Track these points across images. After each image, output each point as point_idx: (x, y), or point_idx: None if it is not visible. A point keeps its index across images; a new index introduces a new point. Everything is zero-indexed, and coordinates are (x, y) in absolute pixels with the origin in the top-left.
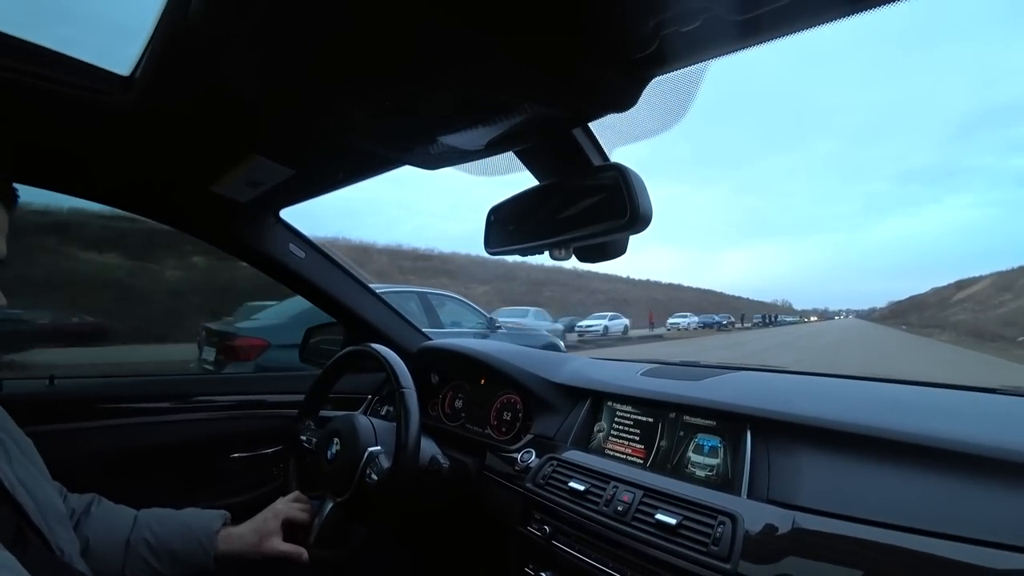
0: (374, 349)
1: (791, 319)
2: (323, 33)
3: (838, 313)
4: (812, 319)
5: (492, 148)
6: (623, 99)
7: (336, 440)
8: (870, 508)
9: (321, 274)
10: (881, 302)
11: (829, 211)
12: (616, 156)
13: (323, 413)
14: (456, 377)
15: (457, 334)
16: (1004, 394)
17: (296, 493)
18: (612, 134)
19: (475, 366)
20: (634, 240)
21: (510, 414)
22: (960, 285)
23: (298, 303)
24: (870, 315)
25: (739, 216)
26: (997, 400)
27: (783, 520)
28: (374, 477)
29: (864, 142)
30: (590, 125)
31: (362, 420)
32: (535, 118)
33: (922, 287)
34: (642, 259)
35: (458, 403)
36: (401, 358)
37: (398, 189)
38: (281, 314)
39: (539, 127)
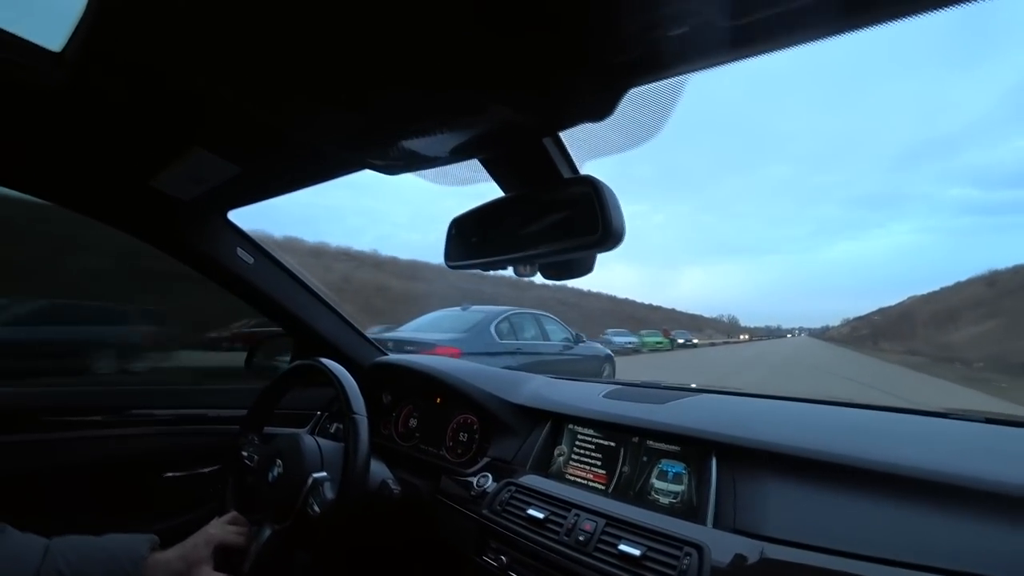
0: (325, 365)
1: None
2: (272, 15)
3: (791, 331)
4: (743, 337)
5: (457, 154)
6: (600, 107)
7: (279, 462)
8: (839, 538)
9: (270, 281)
10: (834, 320)
11: (782, 232)
12: (585, 170)
13: (268, 430)
14: (410, 395)
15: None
16: (955, 419)
17: (233, 514)
18: (583, 147)
19: (430, 384)
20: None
21: (466, 435)
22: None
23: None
24: (823, 334)
25: (697, 235)
26: (949, 425)
27: (751, 551)
28: (316, 508)
29: (816, 168)
30: (561, 135)
31: (308, 441)
32: (504, 124)
33: (871, 306)
34: (607, 274)
35: (412, 422)
36: (353, 373)
37: (359, 196)
38: (456, 325)
39: (508, 134)
